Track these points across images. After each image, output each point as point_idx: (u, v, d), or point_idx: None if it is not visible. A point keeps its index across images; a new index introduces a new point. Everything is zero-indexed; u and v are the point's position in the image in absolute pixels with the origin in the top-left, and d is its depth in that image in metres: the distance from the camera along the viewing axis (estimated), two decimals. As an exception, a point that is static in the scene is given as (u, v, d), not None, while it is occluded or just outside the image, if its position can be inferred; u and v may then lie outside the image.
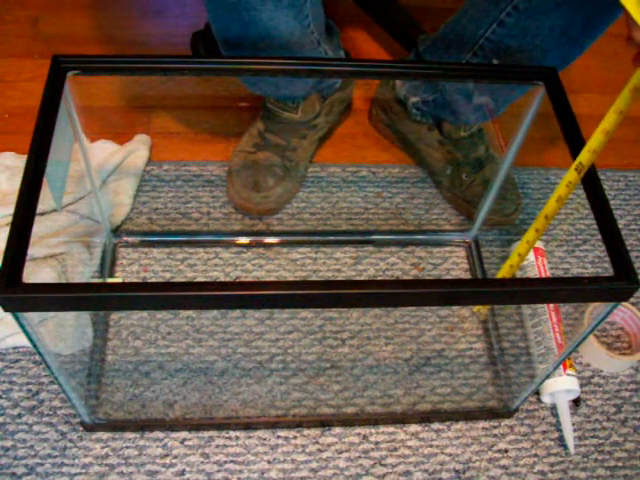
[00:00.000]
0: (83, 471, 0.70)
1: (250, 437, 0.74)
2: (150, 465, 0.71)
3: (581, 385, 0.80)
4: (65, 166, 0.61)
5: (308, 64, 0.67)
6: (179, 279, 0.85)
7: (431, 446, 0.75)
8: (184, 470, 0.71)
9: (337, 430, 0.75)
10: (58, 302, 0.49)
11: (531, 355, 0.81)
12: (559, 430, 0.77)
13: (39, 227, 0.83)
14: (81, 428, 0.73)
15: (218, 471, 0.71)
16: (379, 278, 0.87)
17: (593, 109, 1.12)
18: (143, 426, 0.73)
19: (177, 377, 0.77)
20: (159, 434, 0.73)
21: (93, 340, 0.78)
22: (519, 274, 0.86)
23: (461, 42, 0.82)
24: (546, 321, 0.80)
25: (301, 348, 0.81)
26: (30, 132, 0.54)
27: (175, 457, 0.72)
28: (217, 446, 0.73)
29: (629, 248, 0.94)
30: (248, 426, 0.74)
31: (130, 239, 0.88)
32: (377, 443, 0.75)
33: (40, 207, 0.51)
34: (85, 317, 0.78)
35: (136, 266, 0.86)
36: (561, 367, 0.77)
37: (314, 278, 0.86)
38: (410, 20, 1.14)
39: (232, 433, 0.74)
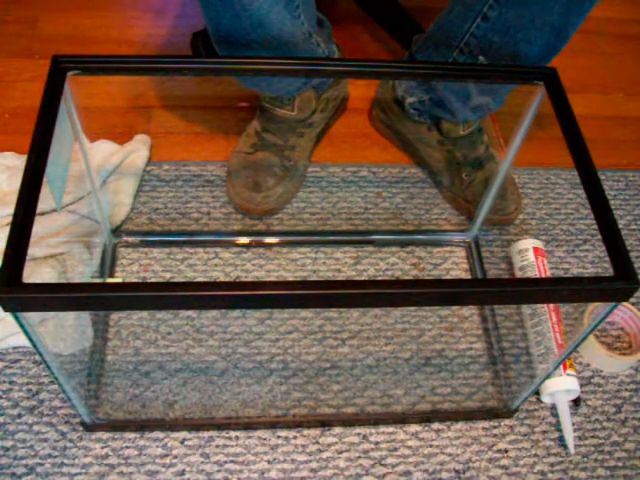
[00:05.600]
0: (83, 471, 0.70)
1: (250, 437, 0.74)
2: (150, 465, 0.71)
3: (581, 385, 0.80)
4: (65, 166, 0.61)
5: (307, 64, 0.67)
6: (179, 279, 0.85)
7: (431, 446, 0.75)
8: (184, 470, 0.71)
9: (337, 430, 0.75)
10: (58, 302, 0.49)
11: (531, 355, 0.81)
12: (559, 430, 0.77)
13: (39, 227, 0.83)
14: (81, 428, 0.73)
15: (218, 471, 0.71)
16: (379, 278, 0.87)
17: (593, 109, 1.13)
18: (143, 426, 0.73)
19: (177, 377, 0.77)
20: (159, 434, 0.73)
21: (93, 340, 0.78)
22: (519, 274, 0.86)
23: (448, 39, 0.83)
24: (546, 321, 0.80)
25: (301, 348, 0.81)
26: (30, 132, 0.54)
27: (175, 457, 0.72)
28: (217, 446, 0.73)
29: (629, 248, 0.94)
30: (248, 426, 0.74)
31: (130, 239, 0.88)
32: (377, 443, 0.75)
33: (40, 207, 0.51)
34: (85, 317, 0.78)
35: (136, 266, 0.86)
36: (561, 367, 0.77)
37: (314, 278, 0.86)
38: (410, 20, 1.14)
39: (232, 433, 0.74)
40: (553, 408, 0.78)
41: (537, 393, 0.79)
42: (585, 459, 0.75)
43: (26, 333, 0.52)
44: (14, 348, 0.77)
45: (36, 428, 0.72)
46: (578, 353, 0.83)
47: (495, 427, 0.77)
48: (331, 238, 0.91)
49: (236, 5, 0.73)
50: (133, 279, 0.84)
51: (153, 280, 0.84)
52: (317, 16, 0.88)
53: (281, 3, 0.75)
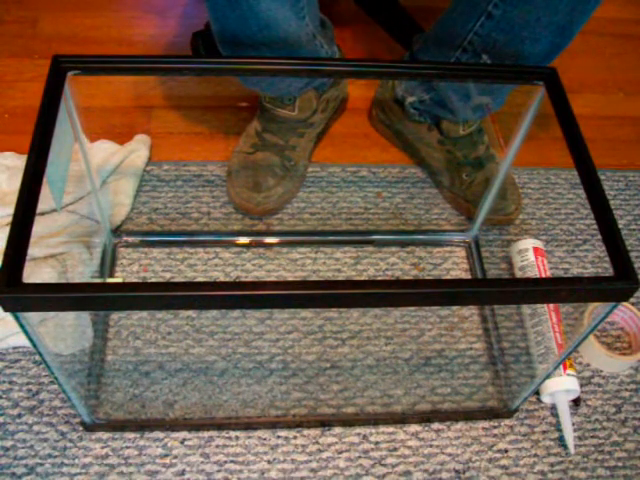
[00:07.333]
0: (83, 471, 0.70)
1: (250, 437, 0.74)
2: (150, 465, 0.71)
3: (581, 385, 0.80)
4: (65, 166, 0.61)
5: (307, 64, 0.67)
6: (179, 279, 0.85)
7: (431, 446, 0.75)
8: (184, 470, 0.71)
9: (337, 430, 0.75)
10: (58, 302, 0.49)
11: (531, 355, 0.81)
12: (559, 430, 0.77)
13: (39, 227, 0.83)
14: (81, 428, 0.73)
15: (218, 471, 0.71)
16: (379, 278, 0.87)
17: (593, 109, 1.13)
18: (143, 426, 0.73)
19: (177, 377, 0.77)
20: (159, 434, 0.73)
21: (93, 340, 0.78)
22: (519, 274, 0.86)
23: (451, 38, 0.82)
24: (546, 321, 0.80)
25: (301, 348, 0.81)
26: (30, 132, 0.54)
27: (175, 457, 0.72)
28: (217, 446, 0.73)
29: (629, 248, 0.94)
30: (248, 426, 0.74)
31: (130, 239, 0.88)
32: (377, 443, 0.75)
33: (40, 207, 0.51)
34: (85, 317, 0.78)
35: (136, 266, 0.86)
36: (561, 367, 0.77)
37: (314, 278, 0.86)
38: (410, 20, 1.14)
39: (232, 433, 0.74)
40: (553, 408, 0.78)
41: (537, 393, 0.79)
42: (585, 459, 0.75)
43: (26, 333, 0.52)
44: (14, 348, 0.77)
45: (36, 428, 0.72)
46: (578, 353, 0.83)
47: (495, 427, 0.77)
48: (331, 238, 0.91)
49: (243, 6, 0.73)
50: (133, 279, 0.84)
51: (153, 280, 0.84)
52: (320, 17, 0.88)
53: (287, 4, 0.75)
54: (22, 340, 0.76)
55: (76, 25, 1.14)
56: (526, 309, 0.83)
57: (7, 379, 0.75)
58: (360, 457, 0.74)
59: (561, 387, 0.76)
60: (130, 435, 0.73)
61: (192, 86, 1.07)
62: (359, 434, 0.75)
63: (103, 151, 0.94)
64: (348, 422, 0.76)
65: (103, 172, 0.91)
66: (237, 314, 0.83)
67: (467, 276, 0.89)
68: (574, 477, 0.74)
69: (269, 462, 0.72)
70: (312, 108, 0.93)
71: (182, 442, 0.73)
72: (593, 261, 0.92)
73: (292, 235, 0.91)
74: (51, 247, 0.81)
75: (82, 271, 0.81)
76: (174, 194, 0.93)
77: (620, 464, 0.75)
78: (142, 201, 0.92)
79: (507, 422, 0.77)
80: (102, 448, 0.72)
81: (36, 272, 0.78)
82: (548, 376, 0.71)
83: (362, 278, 0.87)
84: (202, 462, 0.72)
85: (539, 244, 0.87)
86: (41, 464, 0.70)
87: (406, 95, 0.95)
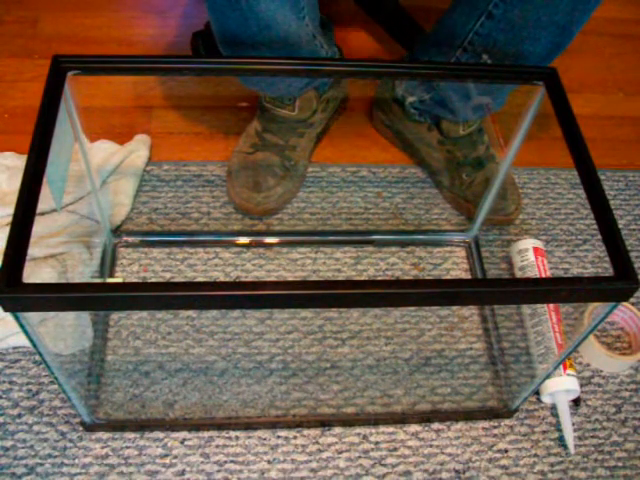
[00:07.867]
0: (83, 471, 0.70)
1: (250, 437, 0.74)
2: (150, 465, 0.71)
3: (581, 385, 0.80)
4: (65, 166, 0.61)
5: (307, 64, 0.67)
6: (179, 279, 0.85)
7: (431, 446, 0.75)
8: (184, 470, 0.71)
9: (337, 430, 0.75)
10: (58, 302, 0.49)
11: (531, 355, 0.81)
12: (559, 430, 0.77)
13: (39, 227, 0.83)
14: (81, 428, 0.73)
15: (218, 471, 0.71)
16: (379, 278, 0.87)
17: (593, 109, 1.13)
18: (143, 426, 0.73)
19: (177, 377, 0.77)
20: (159, 434, 0.73)
21: (93, 340, 0.78)
22: (519, 274, 0.86)
23: (451, 38, 0.82)
24: (546, 321, 0.80)
25: (301, 348, 0.81)
26: (30, 132, 0.54)
27: (175, 457, 0.72)
28: (217, 446, 0.73)
29: (629, 248, 0.94)
30: (248, 426, 0.74)
31: (130, 239, 0.88)
32: (377, 443, 0.75)
33: (40, 207, 0.51)
34: (85, 317, 0.78)
35: (136, 266, 0.86)
36: (561, 367, 0.77)
37: (314, 278, 0.86)
38: (410, 20, 1.14)
39: (232, 433, 0.74)
40: (553, 408, 0.78)
41: (537, 393, 0.79)
42: (585, 459, 0.75)
43: (26, 333, 0.52)
44: (14, 348, 0.77)
45: (36, 428, 0.72)
46: (578, 353, 0.83)
47: (495, 427, 0.77)
48: (331, 238, 0.91)
49: (243, 6, 0.73)
50: (133, 279, 0.84)
51: (153, 280, 0.84)
52: (320, 18, 0.88)
53: (287, 5, 0.75)
54: (22, 340, 0.76)
55: (76, 25, 1.14)
56: (526, 309, 0.83)
57: (7, 379, 0.75)
58: (360, 457, 0.74)
59: (561, 387, 0.76)
60: (130, 435, 0.73)
61: (192, 86, 1.07)
62: (359, 434, 0.75)
63: (103, 151, 0.94)
64: (348, 422, 0.76)
65: (103, 172, 0.91)
66: (237, 314, 0.83)
67: (467, 276, 0.89)
68: (574, 477, 0.74)
69: (269, 462, 0.72)
70: (312, 108, 0.93)
71: (182, 442, 0.73)
72: (593, 261, 0.92)
73: (292, 235, 0.91)
74: (51, 247, 0.81)
75: (82, 271, 0.81)
76: (174, 194, 0.93)
77: (620, 464, 0.75)
78: (142, 201, 0.92)
79: (507, 422, 0.77)
80: (102, 448, 0.72)
81: (36, 272, 0.78)
82: (548, 376, 0.71)
83: (362, 278, 0.87)
84: (202, 462, 0.72)
85: (539, 244, 0.87)
86: (41, 464, 0.70)
87: (406, 95, 0.95)
